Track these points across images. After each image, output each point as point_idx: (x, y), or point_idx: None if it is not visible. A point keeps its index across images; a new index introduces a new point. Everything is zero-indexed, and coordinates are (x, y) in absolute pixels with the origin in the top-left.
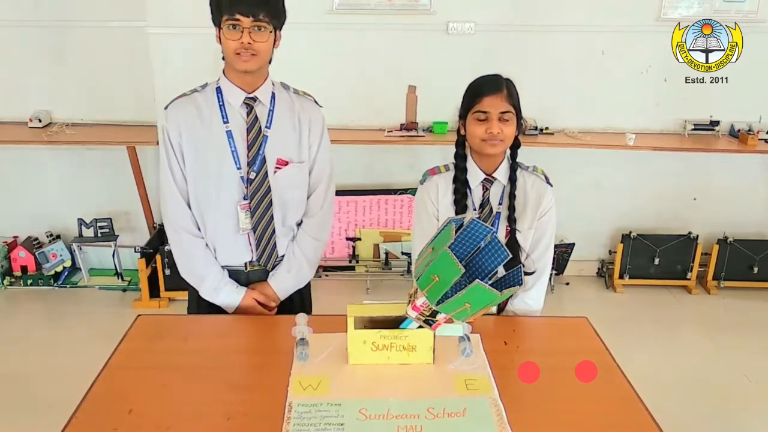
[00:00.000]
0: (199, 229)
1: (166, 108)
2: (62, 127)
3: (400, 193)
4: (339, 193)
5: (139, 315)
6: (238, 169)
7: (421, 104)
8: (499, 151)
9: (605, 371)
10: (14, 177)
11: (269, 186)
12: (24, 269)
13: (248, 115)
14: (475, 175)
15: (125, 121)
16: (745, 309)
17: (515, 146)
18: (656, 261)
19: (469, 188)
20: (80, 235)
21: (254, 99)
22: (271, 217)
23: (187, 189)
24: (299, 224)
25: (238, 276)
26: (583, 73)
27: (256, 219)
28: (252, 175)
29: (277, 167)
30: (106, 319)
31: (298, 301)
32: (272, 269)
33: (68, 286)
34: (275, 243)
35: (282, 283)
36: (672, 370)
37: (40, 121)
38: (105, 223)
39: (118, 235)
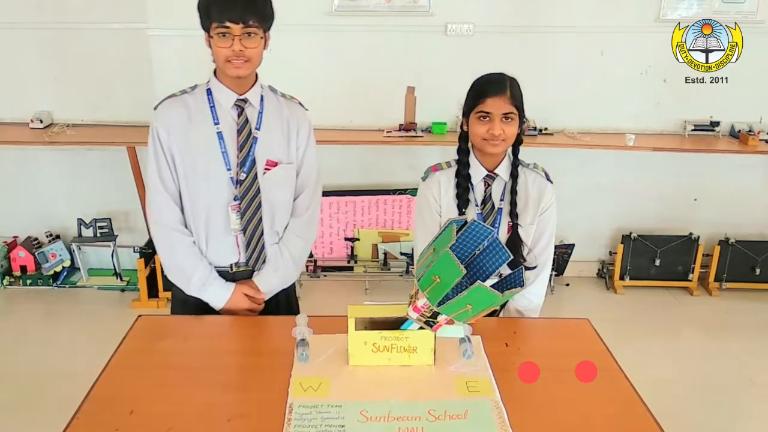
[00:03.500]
0: (186, 227)
1: (155, 108)
2: (63, 127)
3: (398, 194)
4: (337, 193)
5: (139, 315)
6: (228, 170)
7: (419, 105)
8: (501, 151)
9: (607, 373)
10: (15, 177)
11: (258, 187)
12: (23, 269)
13: (239, 116)
14: (477, 171)
15: (125, 121)
16: (747, 311)
17: (517, 143)
18: (657, 262)
19: (471, 184)
20: (79, 235)
21: (245, 101)
22: (260, 219)
23: (176, 188)
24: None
25: (224, 277)
26: (582, 73)
27: (246, 220)
28: (242, 176)
29: (266, 168)
30: (105, 319)
31: (285, 303)
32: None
33: (67, 286)
34: (263, 244)
35: (268, 283)
36: (674, 372)
37: (41, 122)
38: (104, 224)
39: (117, 235)
